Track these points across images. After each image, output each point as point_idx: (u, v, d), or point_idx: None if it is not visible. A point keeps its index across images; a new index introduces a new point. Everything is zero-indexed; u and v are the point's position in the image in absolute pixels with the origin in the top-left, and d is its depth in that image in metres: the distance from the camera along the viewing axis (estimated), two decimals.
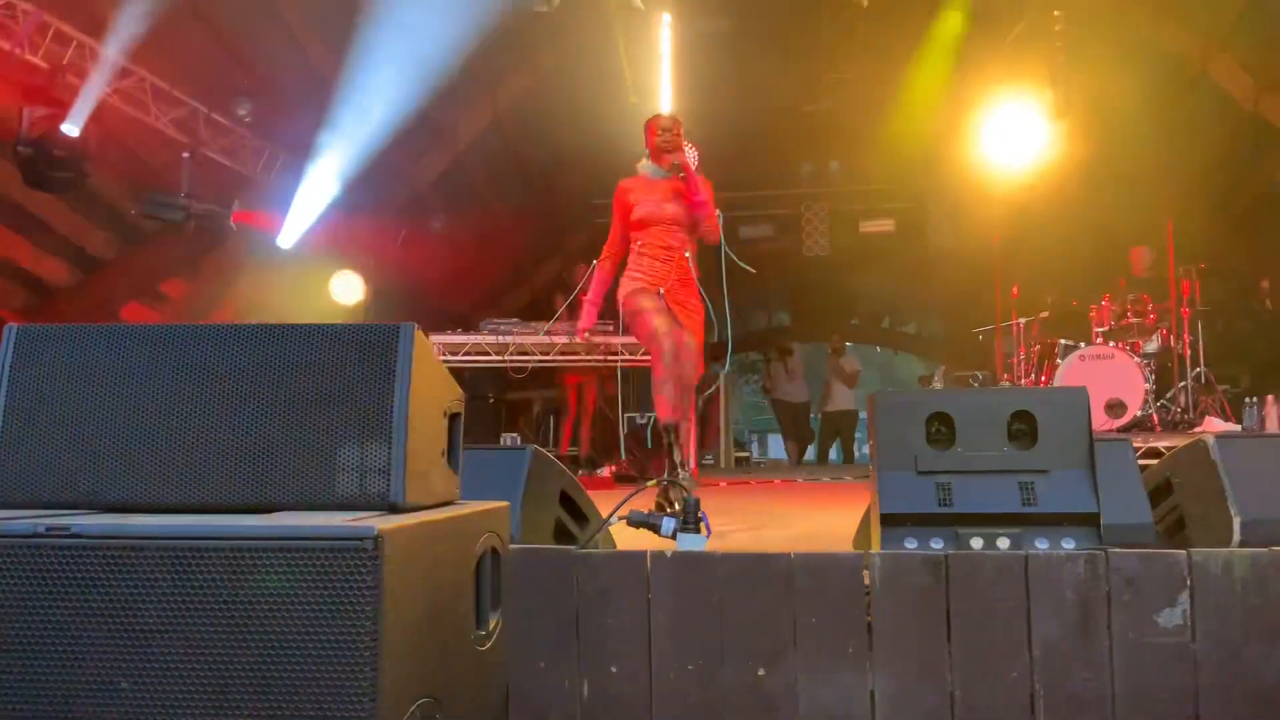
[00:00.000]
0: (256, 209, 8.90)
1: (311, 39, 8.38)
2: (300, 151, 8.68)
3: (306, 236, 9.15)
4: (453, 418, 2.07)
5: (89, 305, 8.67)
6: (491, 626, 1.99)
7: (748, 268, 4.98)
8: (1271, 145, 10.01)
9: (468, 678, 1.87)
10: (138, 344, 1.81)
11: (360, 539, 1.45)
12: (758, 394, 29.41)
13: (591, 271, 5.15)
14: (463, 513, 1.88)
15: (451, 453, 2.05)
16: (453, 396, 2.06)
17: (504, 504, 2.14)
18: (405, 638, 1.54)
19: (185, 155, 8.20)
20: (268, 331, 1.82)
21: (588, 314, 5.15)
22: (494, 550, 2.02)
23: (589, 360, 8.51)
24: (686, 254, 4.85)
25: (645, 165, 5.04)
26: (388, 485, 1.71)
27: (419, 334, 1.82)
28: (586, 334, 5.39)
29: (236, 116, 8.45)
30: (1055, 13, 8.90)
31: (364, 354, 1.77)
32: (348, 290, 10.06)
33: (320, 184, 8.71)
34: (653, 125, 5.01)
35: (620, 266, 5.01)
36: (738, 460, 13.53)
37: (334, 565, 1.45)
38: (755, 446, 25.61)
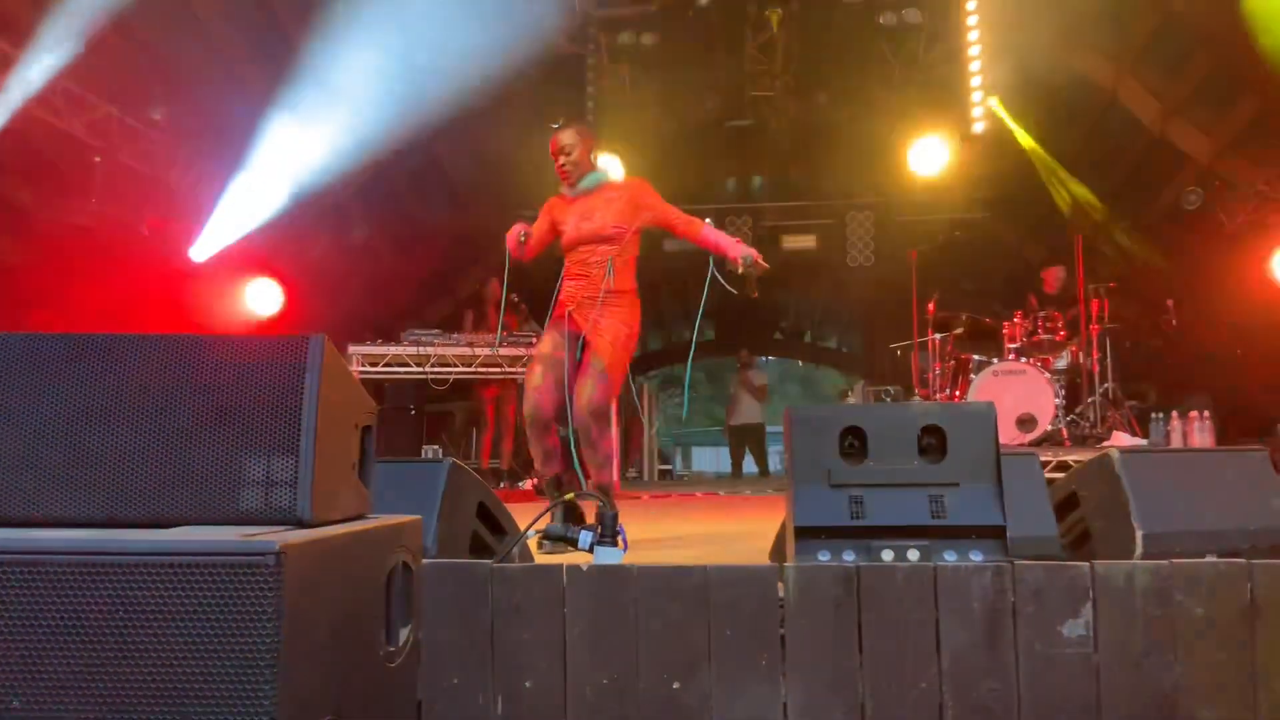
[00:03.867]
0: (171, 216, 8.71)
1: (232, 43, 8.24)
2: (217, 158, 8.51)
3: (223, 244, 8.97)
4: (364, 430, 2.04)
5: None
6: (402, 642, 1.97)
7: (730, 288, 4.59)
8: (1177, 168, 10.35)
9: (375, 695, 1.84)
10: (33, 352, 1.75)
11: (261, 554, 1.42)
12: (680, 407, 29.59)
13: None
14: (372, 527, 1.85)
15: (363, 466, 2.02)
16: (364, 409, 2.03)
17: (416, 518, 2.11)
18: (308, 655, 1.51)
19: (97, 160, 7.99)
20: (172, 341, 1.78)
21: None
22: (405, 565, 1.99)
23: (511, 373, 8.47)
24: (609, 263, 4.59)
25: (564, 187, 4.81)
26: (294, 499, 1.68)
27: (330, 345, 1.79)
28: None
29: (152, 120, 8.27)
30: (970, 36, 9.10)
31: (272, 365, 1.74)
32: (263, 299, 9.87)
33: (242, 199, 8.54)
34: (552, 147, 4.74)
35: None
36: (661, 473, 13.59)
37: (233, 582, 1.42)
38: (679, 460, 25.75)
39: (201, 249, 8.80)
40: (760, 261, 4.51)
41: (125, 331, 1.79)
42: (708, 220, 4.76)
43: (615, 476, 8.75)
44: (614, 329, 4.56)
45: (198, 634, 1.43)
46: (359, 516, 1.95)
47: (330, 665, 1.61)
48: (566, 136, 4.71)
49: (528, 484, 8.92)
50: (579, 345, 4.61)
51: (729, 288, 4.60)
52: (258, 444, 1.71)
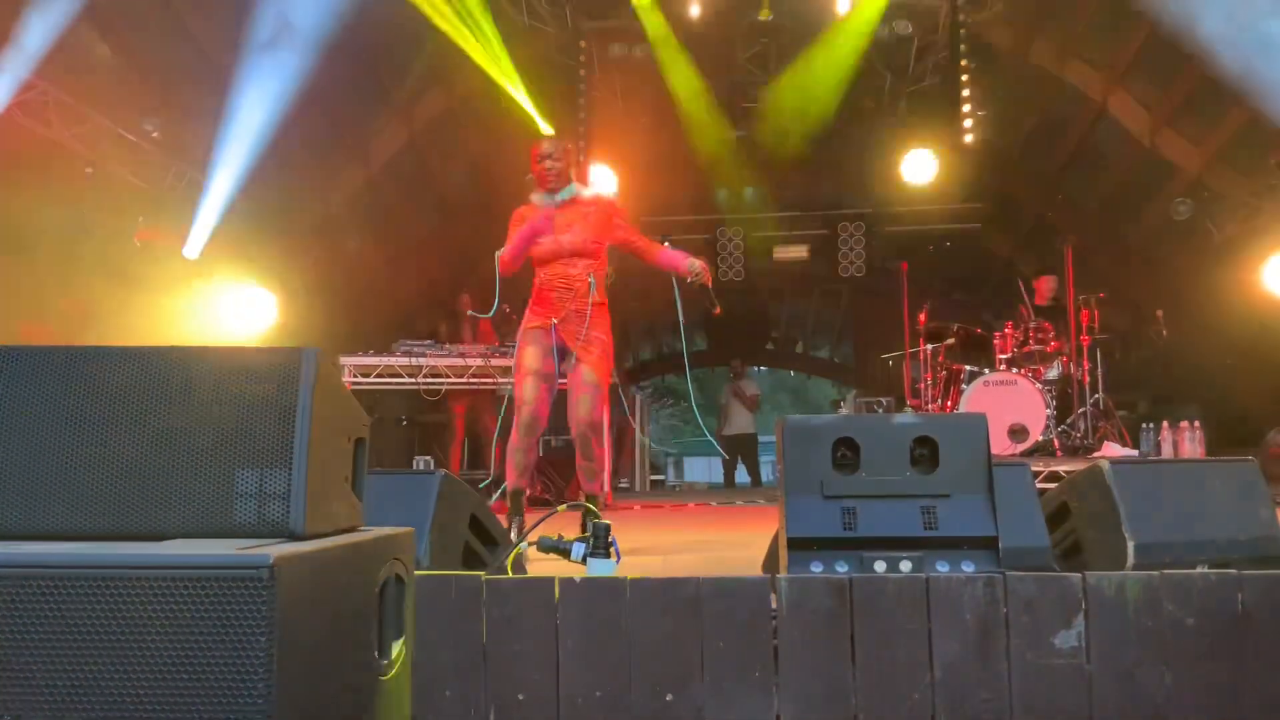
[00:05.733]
0: (163, 227, 8.69)
1: (222, 55, 8.23)
2: (209, 169, 8.50)
3: (215, 255, 8.94)
4: (357, 443, 2.04)
5: None
6: (394, 655, 1.96)
7: (714, 304, 4.88)
8: (1167, 179, 10.40)
9: (368, 708, 1.83)
10: (23, 364, 1.75)
11: (254, 568, 1.41)
12: (674, 417, 29.62)
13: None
14: (365, 539, 1.85)
15: (356, 478, 2.02)
16: (357, 421, 2.02)
17: (409, 530, 2.11)
18: (302, 669, 1.51)
19: (88, 171, 7.98)
20: (163, 354, 1.77)
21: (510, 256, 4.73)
22: (398, 577, 1.99)
23: (504, 383, 8.46)
24: (590, 279, 4.69)
25: (536, 195, 4.85)
26: (287, 512, 1.67)
27: (323, 357, 1.79)
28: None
29: (143, 132, 8.25)
30: (961, 46, 9.15)
31: (265, 378, 1.74)
32: (256, 311, 9.84)
33: (226, 195, 8.51)
34: (535, 151, 4.81)
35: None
36: (653, 483, 13.59)
37: (226, 595, 1.42)
38: (671, 470, 25.76)
39: (193, 245, 8.74)
40: (706, 272, 4.75)
41: (118, 344, 1.79)
42: (665, 242, 4.92)
43: (608, 487, 8.75)
44: (602, 343, 4.72)
45: (191, 647, 1.43)
46: (351, 529, 1.94)
47: (324, 678, 1.61)
48: (551, 145, 4.81)
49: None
50: (568, 358, 4.72)
51: (706, 303, 4.87)
52: (251, 457, 1.71)
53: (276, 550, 1.47)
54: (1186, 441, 8.11)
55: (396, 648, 1.98)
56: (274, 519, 1.68)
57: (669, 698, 2.50)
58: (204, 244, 8.76)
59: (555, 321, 4.67)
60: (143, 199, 8.58)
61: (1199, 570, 2.62)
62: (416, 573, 2.27)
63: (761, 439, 14.53)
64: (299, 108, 8.23)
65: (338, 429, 1.89)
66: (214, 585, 1.43)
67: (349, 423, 1.96)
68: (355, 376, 8.03)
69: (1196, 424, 8.19)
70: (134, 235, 8.46)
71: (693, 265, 4.76)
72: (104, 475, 1.71)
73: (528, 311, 4.79)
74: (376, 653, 1.88)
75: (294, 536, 1.67)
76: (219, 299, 9.65)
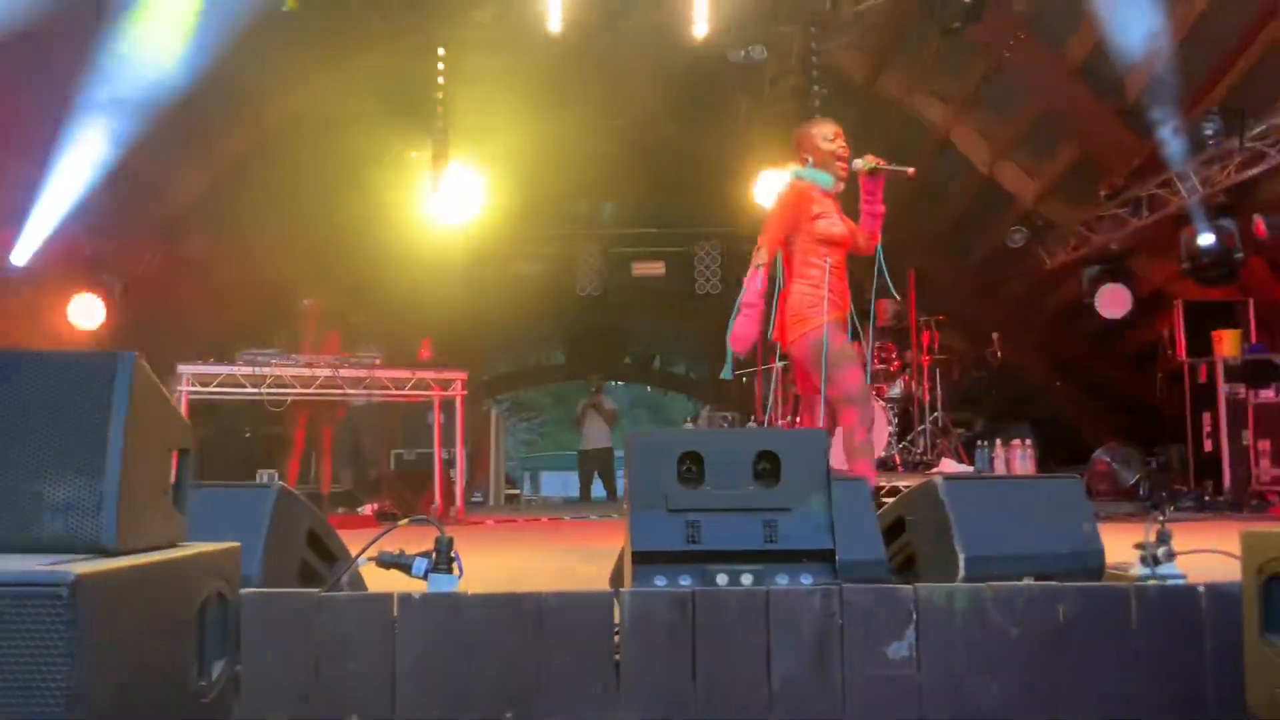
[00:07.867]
0: None
1: (52, 39, 7.80)
2: (38, 163, 8.04)
3: (45, 254, 8.45)
4: (181, 454, 1.94)
5: None
6: (215, 677, 1.87)
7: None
8: (1004, 207, 10.90)
9: None
10: None
11: (54, 585, 1.33)
12: (532, 431, 29.45)
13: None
14: (183, 555, 1.76)
15: (178, 491, 1.93)
16: (180, 432, 1.93)
17: (233, 545, 2.02)
18: (109, 691, 1.42)
19: None
20: None
21: (752, 320, 4.62)
22: (220, 595, 1.90)
23: (351, 394, 8.26)
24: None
25: (816, 175, 4.63)
26: (98, 526, 1.58)
27: (142, 364, 1.70)
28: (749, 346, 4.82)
29: None
30: (814, 72, 9.40)
31: (76, 385, 1.64)
32: (88, 315, 9.35)
33: (60, 196, 8.06)
34: (818, 131, 4.66)
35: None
36: (508, 498, 13.48)
37: (24, 614, 1.32)
38: (527, 484, 25.61)
39: (21, 252, 8.25)
40: (874, 158, 4.56)
41: None
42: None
43: (459, 502, 8.63)
44: None
45: None
46: (172, 545, 1.85)
47: (134, 702, 1.52)
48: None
49: (367, 509, 8.70)
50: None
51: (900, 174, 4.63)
52: (59, 468, 1.61)
53: (81, 567, 1.38)
54: (1018, 459, 8.48)
55: (218, 669, 1.89)
56: (85, 533, 1.59)
57: (508, 715, 2.46)
58: (35, 249, 8.29)
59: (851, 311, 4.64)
60: None
61: (1024, 582, 2.72)
62: (246, 590, 2.18)
63: (618, 454, 14.59)
64: (141, 105, 7.87)
65: (157, 439, 1.79)
66: (11, 604, 1.34)
67: (171, 433, 1.87)
68: (194, 386, 7.69)
69: (1028, 442, 8.59)
70: None
71: (856, 164, 4.56)
72: None
73: (817, 292, 4.57)
74: (196, 674, 1.80)
75: (106, 552, 1.58)
76: (47, 302, 9.14)
